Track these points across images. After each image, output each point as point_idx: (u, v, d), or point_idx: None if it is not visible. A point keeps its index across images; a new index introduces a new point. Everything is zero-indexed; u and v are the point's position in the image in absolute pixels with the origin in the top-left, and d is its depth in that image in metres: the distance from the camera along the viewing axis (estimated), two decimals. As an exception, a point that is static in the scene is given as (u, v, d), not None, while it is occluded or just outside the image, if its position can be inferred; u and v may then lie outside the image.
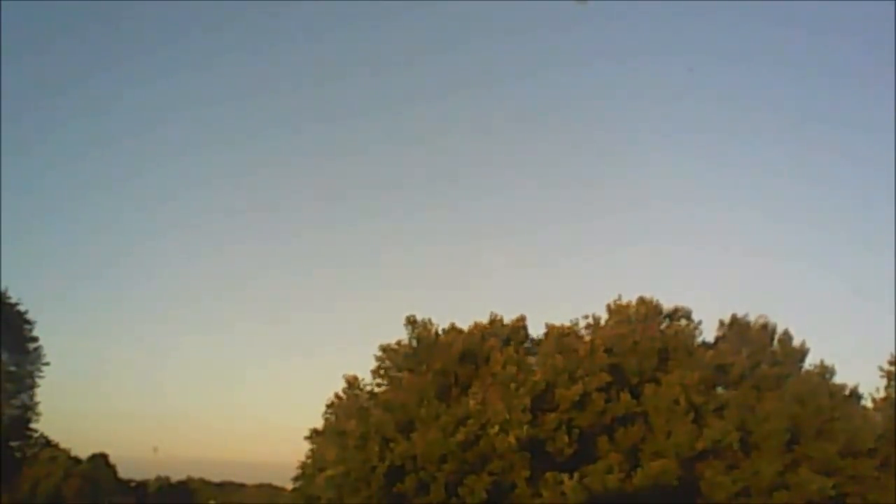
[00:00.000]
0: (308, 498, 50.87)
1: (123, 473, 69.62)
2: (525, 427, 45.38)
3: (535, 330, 53.78)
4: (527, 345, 52.71)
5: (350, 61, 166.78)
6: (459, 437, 44.76)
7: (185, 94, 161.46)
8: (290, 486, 56.65)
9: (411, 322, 51.07)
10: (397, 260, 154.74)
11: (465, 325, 51.96)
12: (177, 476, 75.02)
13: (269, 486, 74.30)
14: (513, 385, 46.81)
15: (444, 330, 51.26)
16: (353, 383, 50.54)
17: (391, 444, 45.52)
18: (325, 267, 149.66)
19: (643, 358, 52.14)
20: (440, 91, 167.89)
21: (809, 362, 56.43)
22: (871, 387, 55.97)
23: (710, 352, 54.18)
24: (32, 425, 65.08)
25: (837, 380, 54.99)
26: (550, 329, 53.07)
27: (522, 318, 53.22)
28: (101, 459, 67.57)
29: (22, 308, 64.31)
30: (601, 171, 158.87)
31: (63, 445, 65.72)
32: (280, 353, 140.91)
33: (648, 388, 50.58)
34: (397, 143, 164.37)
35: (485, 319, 52.33)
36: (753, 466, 49.40)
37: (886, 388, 55.50)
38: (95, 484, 64.50)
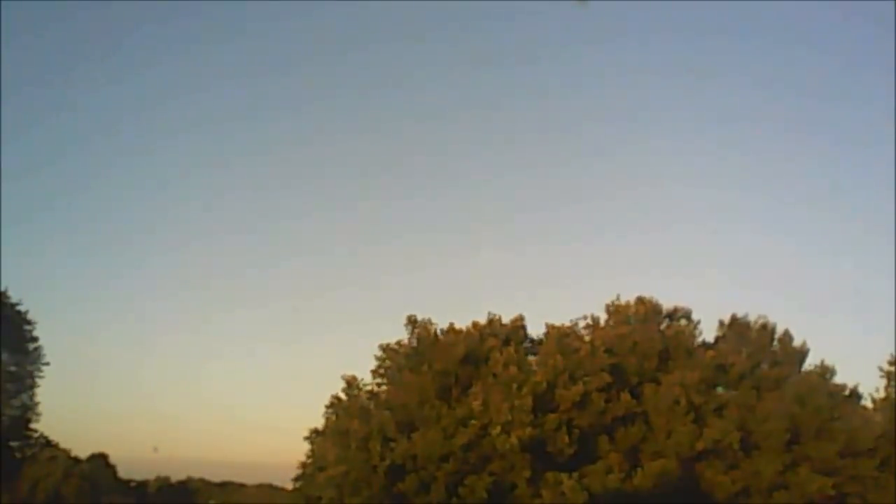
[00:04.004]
0: (308, 498, 50.95)
1: (123, 473, 69.47)
2: (527, 427, 45.45)
3: (534, 330, 53.98)
4: (526, 345, 52.79)
5: (349, 54, 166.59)
6: (461, 437, 44.87)
7: (180, 90, 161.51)
8: (290, 486, 56.74)
9: (412, 322, 51.17)
10: (398, 260, 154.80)
11: (464, 325, 52.13)
12: (177, 476, 74.86)
13: (269, 486, 74.20)
14: (514, 385, 46.90)
15: (443, 330, 51.35)
16: (351, 384, 50.61)
17: (392, 444, 45.63)
18: (326, 267, 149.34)
19: (643, 358, 52.20)
20: (440, 91, 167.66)
21: (809, 362, 56.56)
22: (871, 387, 56.14)
23: (710, 352, 54.22)
24: (32, 425, 64.97)
25: (837, 380, 55.14)
26: (550, 329, 53.09)
27: (521, 318, 53.34)
28: (101, 459, 67.42)
29: (22, 308, 64.29)
30: (601, 171, 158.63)
31: (63, 445, 65.58)
32: (280, 353, 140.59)
33: (648, 389, 50.66)
34: (396, 141, 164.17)
35: (483, 319, 52.50)
36: (753, 466, 49.48)
37: (886, 388, 55.58)
38: (95, 484, 64.35)
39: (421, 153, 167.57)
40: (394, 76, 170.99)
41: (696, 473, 48.92)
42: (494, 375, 47.84)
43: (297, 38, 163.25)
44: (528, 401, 46.30)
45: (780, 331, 57.25)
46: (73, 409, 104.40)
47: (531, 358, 51.70)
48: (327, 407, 51.71)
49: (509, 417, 45.37)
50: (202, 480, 76.38)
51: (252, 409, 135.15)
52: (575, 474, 45.45)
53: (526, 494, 45.41)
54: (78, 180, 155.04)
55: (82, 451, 66.56)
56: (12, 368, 63.57)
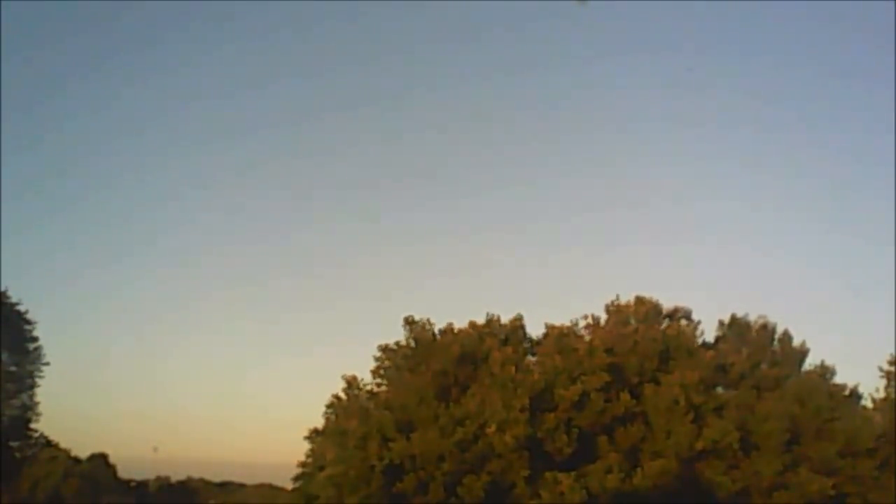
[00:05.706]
0: (308, 498, 50.95)
1: (123, 473, 69.71)
2: (523, 426, 45.35)
3: (534, 330, 53.89)
4: (525, 345, 52.71)
5: (348, 58, 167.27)
6: (457, 436, 44.81)
7: (183, 94, 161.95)
8: (290, 486, 56.80)
9: (410, 322, 51.12)
10: (397, 259, 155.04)
11: (463, 325, 52.03)
12: (177, 476, 75.13)
13: (269, 486, 74.34)
14: (511, 385, 46.83)
15: (441, 330, 51.31)
16: (352, 383, 50.59)
17: (390, 444, 45.59)
18: (325, 266, 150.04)
19: (643, 358, 52.03)
20: (440, 89, 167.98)
21: (809, 362, 56.49)
22: (871, 387, 56.07)
23: (710, 352, 54.07)
24: (32, 425, 65.21)
25: (837, 380, 55.08)
26: (550, 329, 53.02)
27: (520, 318, 53.24)
28: (101, 459, 67.61)
29: (22, 308, 64.49)
30: (601, 171, 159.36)
31: (63, 445, 65.86)
32: (280, 353, 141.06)
33: (648, 388, 50.48)
34: (396, 142, 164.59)
35: (482, 319, 52.42)
36: (753, 466, 49.34)
37: (886, 388, 55.50)
38: (95, 484, 64.51)
39: (421, 156, 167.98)
40: (392, 80, 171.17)
41: (695, 473, 48.74)
42: (492, 375, 47.78)
43: (298, 42, 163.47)
44: (525, 399, 46.20)
45: (780, 331, 57.31)
46: (73, 409, 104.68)
47: (530, 358, 51.65)
48: (327, 407, 51.74)
49: (505, 416, 45.29)
50: (202, 480, 76.61)
51: (252, 409, 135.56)
52: (574, 474, 45.29)
53: (524, 494, 45.29)
54: (79, 181, 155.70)
55: (82, 451, 66.89)
56: (12, 368, 63.76)
